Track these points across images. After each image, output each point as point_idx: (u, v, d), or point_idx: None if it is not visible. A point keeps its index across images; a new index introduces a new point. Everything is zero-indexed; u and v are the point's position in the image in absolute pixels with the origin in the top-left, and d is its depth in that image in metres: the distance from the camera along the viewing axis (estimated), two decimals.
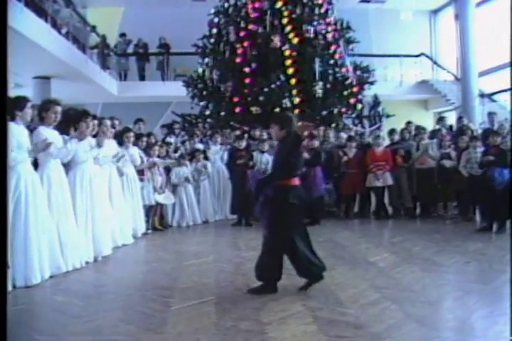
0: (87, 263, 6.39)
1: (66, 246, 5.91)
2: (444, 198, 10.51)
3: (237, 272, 5.96)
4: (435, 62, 20.82)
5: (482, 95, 17.56)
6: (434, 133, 11.15)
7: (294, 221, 5.03)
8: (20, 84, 15.24)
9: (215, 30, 13.91)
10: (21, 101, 5.62)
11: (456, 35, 18.58)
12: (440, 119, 12.31)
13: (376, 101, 14.59)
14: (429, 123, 12.28)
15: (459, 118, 12.20)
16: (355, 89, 13.33)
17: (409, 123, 11.65)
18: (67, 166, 6.41)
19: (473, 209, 9.88)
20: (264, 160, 10.22)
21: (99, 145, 7.00)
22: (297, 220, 5.10)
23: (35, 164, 5.89)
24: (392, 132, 11.10)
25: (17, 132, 5.46)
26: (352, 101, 13.40)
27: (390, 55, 19.15)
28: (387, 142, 11.00)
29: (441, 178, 10.23)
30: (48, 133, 5.96)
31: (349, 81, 13.27)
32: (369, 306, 4.47)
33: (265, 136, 10.90)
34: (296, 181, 5.02)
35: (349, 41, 13.88)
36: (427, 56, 20.60)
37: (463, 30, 17.62)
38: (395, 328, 3.89)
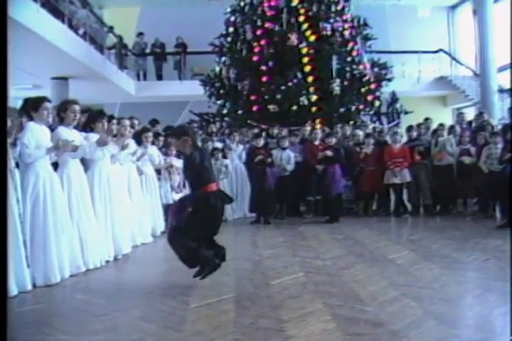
0: (107, 262, 6.44)
1: (86, 245, 5.96)
2: (464, 195, 10.44)
3: (255, 270, 5.96)
4: (453, 58, 20.64)
5: (501, 90, 17.38)
6: (452, 130, 11.07)
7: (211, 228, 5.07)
8: (39, 85, 15.39)
9: (231, 29, 13.94)
10: (36, 102, 5.65)
11: (474, 31, 18.43)
12: (459, 116, 12.20)
13: (394, 98, 14.51)
14: (447, 120, 12.19)
15: (479, 114, 12.08)
16: (372, 86, 13.29)
17: (427, 119, 11.58)
18: (85, 165, 6.45)
19: (493, 206, 9.79)
20: (285, 156, 10.25)
21: (122, 148, 7.07)
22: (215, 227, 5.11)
23: (55, 164, 5.93)
24: (410, 129, 11.03)
25: (36, 132, 5.51)
26: (370, 98, 13.37)
27: (407, 52, 19.02)
28: (405, 139, 10.94)
29: (461, 175, 10.17)
30: (67, 133, 5.98)
31: (367, 78, 13.23)
32: (388, 304, 4.45)
33: (284, 133, 10.91)
34: (214, 187, 5.02)
35: (366, 38, 13.83)
36: (445, 52, 20.42)
37: (481, 26, 17.47)
38: (414, 326, 3.87)
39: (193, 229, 4.88)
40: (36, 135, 5.48)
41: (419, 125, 11.16)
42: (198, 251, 4.96)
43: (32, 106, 5.62)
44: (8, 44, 3.98)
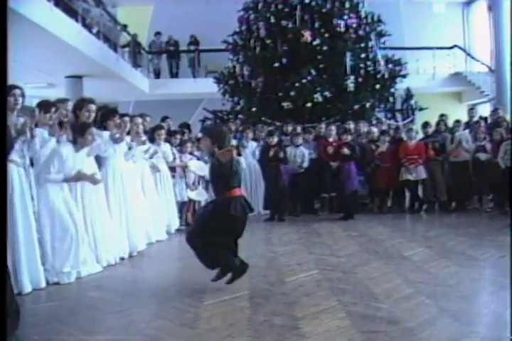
0: (121, 259, 6.47)
1: (100, 243, 5.98)
2: (479, 191, 10.38)
3: (270, 267, 5.96)
4: (468, 54, 20.48)
5: None
6: (468, 126, 10.99)
7: (232, 234, 4.94)
8: (53, 84, 15.48)
9: (245, 26, 13.93)
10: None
11: (489, 27, 18.28)
12: (470, 111, 12.06)
13: (409, 95, 14.46)
14: (463, 116, 12.07)
15: (495, 110, 11.97)
16: (387, 83, 13.23)
17: (442, 115, 11.50)
18: (99, 163, 6.47)
19: (509, 203, 9.72)
20: (299, 153, 10.23)
21: (139, 143, 7.12)
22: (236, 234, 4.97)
23: None
24: (425, 125, 10.96)
25: (67, 158, 5.57)
26: (384, 94, 13.31)
27: (422, 48, 18.88)
28: (420, 135, 10.88)
29: (476, 171, 10.11)
30: None
31: (381, 74, 13.16)
32: (403, 301, 4.43)
33: (299, 130, 10.90)
34: (237, 192, 4.89)
35: (380, 34, 13.75)
36: (460, 48, 20.26)
37: (496, 22, 17.31)
38: (429, 323, 3.86)
39: (212, 234, 4.78)
40: (63, 160, 5.51)
41: (438, 122, 11.06)
42: (219, 255, 4.88)
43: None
44: (11, 44, 4.01)
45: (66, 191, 5.61)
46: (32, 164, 5.37)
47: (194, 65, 19.62)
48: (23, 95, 5.15)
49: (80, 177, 5.64)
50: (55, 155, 5.44)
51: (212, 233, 4.78)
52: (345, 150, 9.72)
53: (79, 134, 5.69)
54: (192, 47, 19.69)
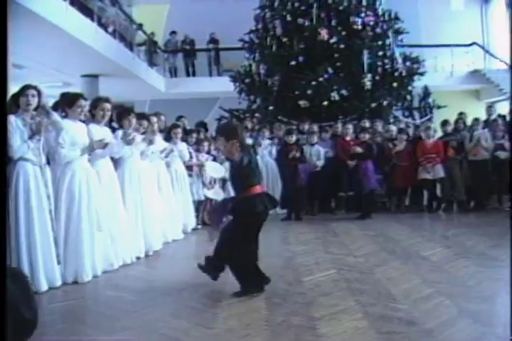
0: (138, 258, 6.48)
1: (116, 242, 5.98)
2: (499, 190, 10.28)
3: (287, 266, 5.94)
4: (487, 51, 20.32)
5: None
6: (486, 124, 10.90)
7: (255, 232, 4.85)
8: (69, 83, 15.56)
9: (261, 25, 13.90)
10: (72, 99, 5.70)
11: (508, 24, 18.09)
12: (489, 109, 11.94)
13: (426, 93, 14.36)
14: (481, 114, 11.97)
15: None
16: (404, 81, 13.15)
17: (461, 114, 11.41)
18: (116, 163, 6.49)
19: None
20: (315, 152, 10.20)
21: (150, 142, 7.10)
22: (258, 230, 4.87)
23: None
24: (444, 123, 10.86)
25: (71, 129, 5.55)
26: (401, 93, 13.24)
27: (440, 45, 18.75)
28: (439, 134, 10.81)
29: (496, 170, 10.02)
30: (98, 130, 6.03)
31: (398, 72, 13.09)
32: (422, 301, 4.39)
33: (316, 129, 10.85)
34: (258, 189, 4.80)
35: (398, 32, 13.66)
36: (478, 45, 20.12)
37: None
38: (449, 324, 3.82)
39: (237, 239, 4.72)
40: (71, 133, 5.52)
41: (457, 120, 10.96)
42: (246, 269, 4.80)
43: (67, 103, 5.67)
44: (26, 43, 4.02)
45: (88, 189, 5.62)
46: (49, 163, 5.38)
47: (213, 64, 19.62)
48: (39, 95, 5.16)
49: (94, 145, 5.66)
50: (62, 129, 5.44)
51: (237, 242, 4.72)
52: (358, 149, 9.68)
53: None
54: (211, 46, 19.66)
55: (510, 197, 8.24)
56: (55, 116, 5.42)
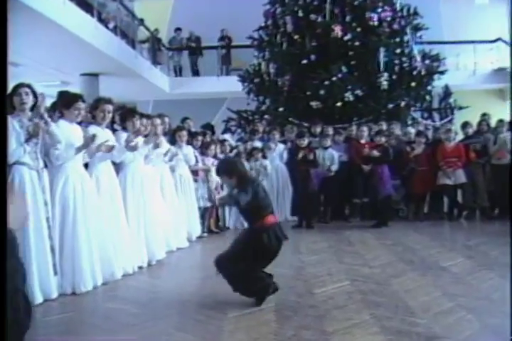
0: (140, 268, 6.48)
1: (117, 251, 5.99)
2: None
3: (297, 277, 5.93)
4: None
5: None
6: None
7: (265, 262, 4.93)
8: (67, 82, 15.59)
9: (271, 21, 13.92)
10: (69, 100, 5.72)
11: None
12: None
13: (447, 92, 14.31)
14: (506, 115, 11.92)
15: None
16: (423, 80, 13.13)
17: (484, 115, 11.38)
18: (117, 167, 6.50)
19: None
20: (328, 156, 10.18)
21: (155, 146, 7.12)
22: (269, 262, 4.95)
23: (85, 165, 5.98)
24: (465, 125, 10.85)
25: (66, 131, 5.57)
26: (420, 92, 13.22)
27: (462, 42, 18.71)
28: (460, 136, 10.78)
29: None
30: (99, 132, 6.04)
31: (417, 71, 13.07)
32: (442, 316, 4.37)
33: (330, 132, 10.83)
34: (271, 219, 4.90)
35: (417, 28, 13.64)
36: (504, 41, 20.04)
37: None
38: (471, 340, 3.80)
39: (244, 263, 4.77)
40: (66, 134, 5.54)
41: (480, 122, 10.93)
42: (249, 280, 4.85)
43: (64, 103, 5.70)
44: (22, 40, 4.04)
45: (82, 194, 5.63)
46: (46, 166, 5.40)
47: (224, 62, 19.64)
48: (34, 93, 5.18)
49: (88, 142, 5.63)
50: (57, 141, 5.46)
51: (244, 260, 4.77)
52: (375, 152, 9.66)
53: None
54: (222, 43, 19.68)
55: (510, 207, 8.22)
56: (53, 127, 5.44)
